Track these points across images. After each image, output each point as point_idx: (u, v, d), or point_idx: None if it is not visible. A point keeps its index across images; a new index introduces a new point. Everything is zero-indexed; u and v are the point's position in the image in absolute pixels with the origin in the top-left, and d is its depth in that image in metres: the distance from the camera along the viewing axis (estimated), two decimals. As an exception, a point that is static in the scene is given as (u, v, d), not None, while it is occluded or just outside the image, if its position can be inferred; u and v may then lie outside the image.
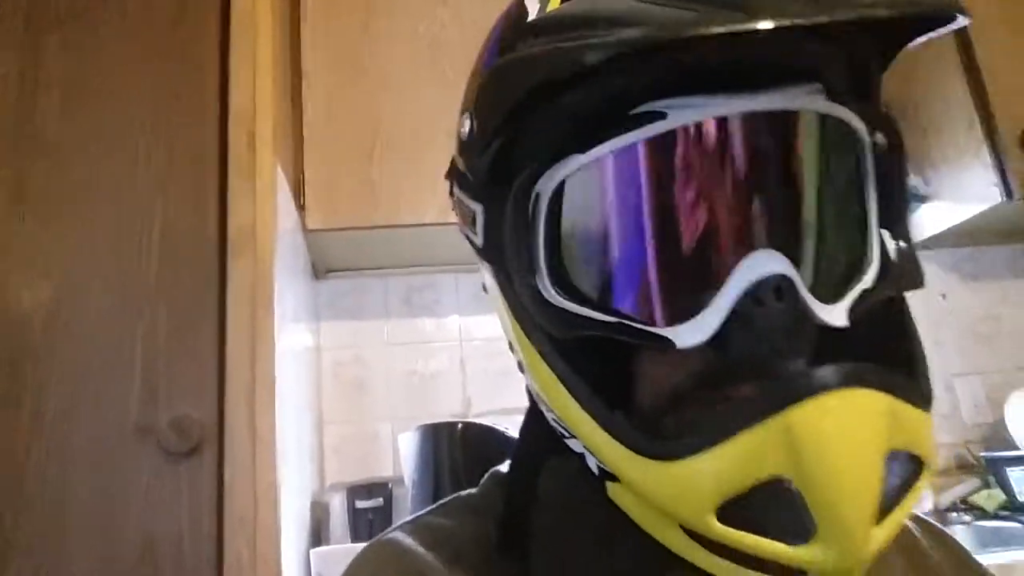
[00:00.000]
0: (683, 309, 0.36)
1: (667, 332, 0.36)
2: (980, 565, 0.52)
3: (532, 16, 0.40)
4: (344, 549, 1.26)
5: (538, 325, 0.39)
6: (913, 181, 1.87)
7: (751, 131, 0.37)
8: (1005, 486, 1.62)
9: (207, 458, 1.07)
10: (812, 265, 0.37)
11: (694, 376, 0.38)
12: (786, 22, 0.29)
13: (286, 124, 1.43)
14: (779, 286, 0.35)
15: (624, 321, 0.37)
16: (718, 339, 0.35)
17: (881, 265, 0.39)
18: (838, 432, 0.32)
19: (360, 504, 1.46)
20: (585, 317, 0.38)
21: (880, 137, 0.39)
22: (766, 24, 0.29)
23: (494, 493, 0.50)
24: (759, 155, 0.37)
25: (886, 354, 0.38)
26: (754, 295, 0.35)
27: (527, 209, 0.39)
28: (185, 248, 1.16)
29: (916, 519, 0.54)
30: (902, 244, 0.40)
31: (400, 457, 1.48)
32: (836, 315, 0.37)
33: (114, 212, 1.17)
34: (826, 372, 0.33)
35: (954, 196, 1.79)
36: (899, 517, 0.34)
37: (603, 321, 0.37)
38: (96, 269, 1.14)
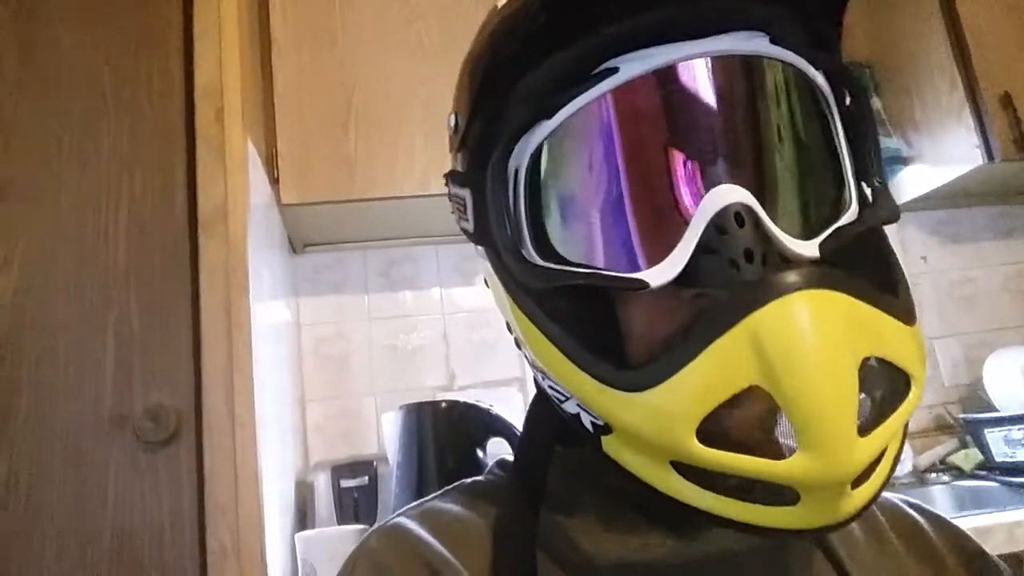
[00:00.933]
0: (655, 250, 0.38)
1: (641, 275, 0.37)
2: (979, 546, 0.52)
3: (500, 5, 0.41)
4: (329, 532, 1.25)
5: (525, 287, 0.40)
6: (895, 143, 1.86)
7: (699, 76, 0.38)
8: (982, 446, 1.65)
9: (185, 446, 1.05)
10: (777, 200, 0.38)
11: (670, 314, 0.38)
12: None
13: (256, 95, 1.37)
14: (739, 212, 0.36)
15: (602, 271, 0.39)
16: (688, 274, 0.37)
17: (859, 203, 0.41)
18: (804, 332, 0.32)
19: (345, 483, 1.45)
20: (566, 271, 0.39)
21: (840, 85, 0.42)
22: None
23: (501, 480, 0.51)
24: (710, 98, 0.39)
25: (869, 281, 0.39)
26: (717, 225, 0.36)
27: (506, 183, 0.41)
28: (154, 229, 1.12)
29: (916, 507, 0.54)
30: (876, 182, 0.41)
31: (383, 436, 1.47)
32: (807, 248, 0.38)
33: (77, 195, 1.12)
34: (787, 276, 0.34)
35: (936, 158, 1.78)
36: (889, 430, 0.34)
37: (583, 272, 0.39)
38: (61, 255, 1.09)
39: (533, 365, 0.43)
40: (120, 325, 1.08)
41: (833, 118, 0.42)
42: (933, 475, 1.67)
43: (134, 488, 1.02)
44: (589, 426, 0.40)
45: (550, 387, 0.42)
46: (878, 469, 0.35)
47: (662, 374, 0.34)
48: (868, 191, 0.41)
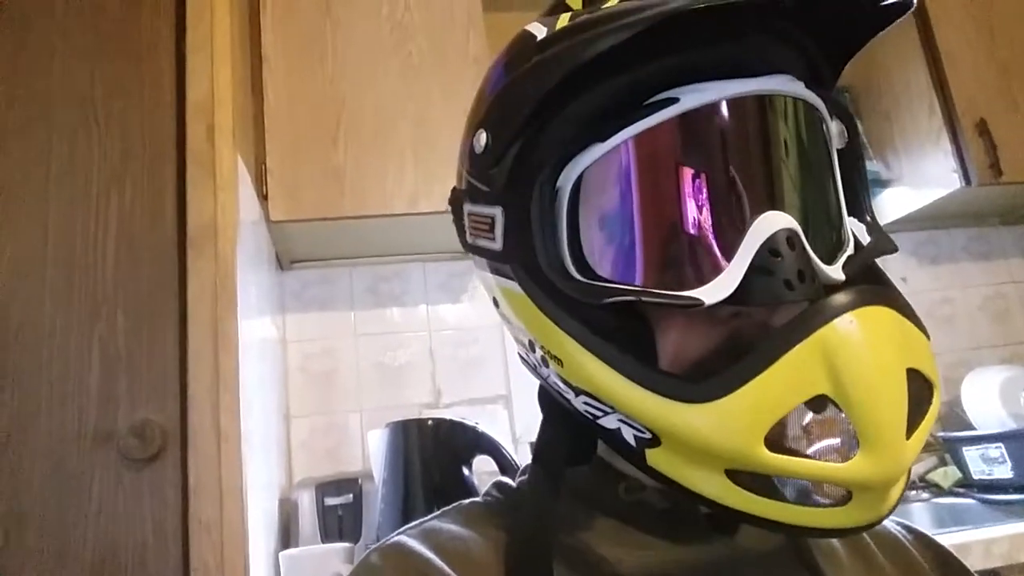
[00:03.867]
0: (708, 270, 0.40)
1: (696, 292, 0.39)
2: (962, 563, 0.54)
3: (540, 38, 0.43)
4: (314, 550, 1.24)
5: (567, 305, 0.41)
6: (875, 166, 1.90)
7: (753, 111, 0.42)
8: (961, 464, 1.67)
9: (170, 463, 1.04)
10: (812, 228, 0.41)
11: (725, 330, 0.41)
12: None
13: (246, 112, 1.38)
14: (791, 237, 0.39)
15: (651, 289, 0.40)
16: (742, 292, 0.39)
17: (853, 236, 0.45)
18: (867, 343, 0.36)
19: (329, 501, 1.44)
20: (619, 288, 0.40)
21: (837, 124, 0.46)
22: None
23: (500, 502, 0.52)
24: (759, 132, 0.42)
25: None
26: (770, 247, 0.39)
27: (552, 201, 0.42)
28: (143, 245, 1.11)
29: (903, 526, 0.56)
30: (868, 217, 0.46)
31: (369, 454, 1.46)
32: (835, 271, 0.41)
33: (66, 209, 1.11)
34: (844, 295, 0.37)
35: (915, 181, 1.82)
36: (922, 435, 0.38)
37: (637, 290, 0.40)
38: (48, 268, 1.09)
39: (565, 383, 0.43)
40: (106, 340, 1.07)
41: (834, 159, 0.45)
42: (913, 492, 1.69)
43: (117, 505, 1.01)
44: (632, 440, 0.41)
45: (585, 404, 0.42)
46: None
47: (732, 384, 0.36)
48: (863, 226, 0.46)
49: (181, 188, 1.13)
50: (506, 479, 0.54)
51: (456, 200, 0.49)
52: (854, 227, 0.45)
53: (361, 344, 1.72)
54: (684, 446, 0.38)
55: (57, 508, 1.00)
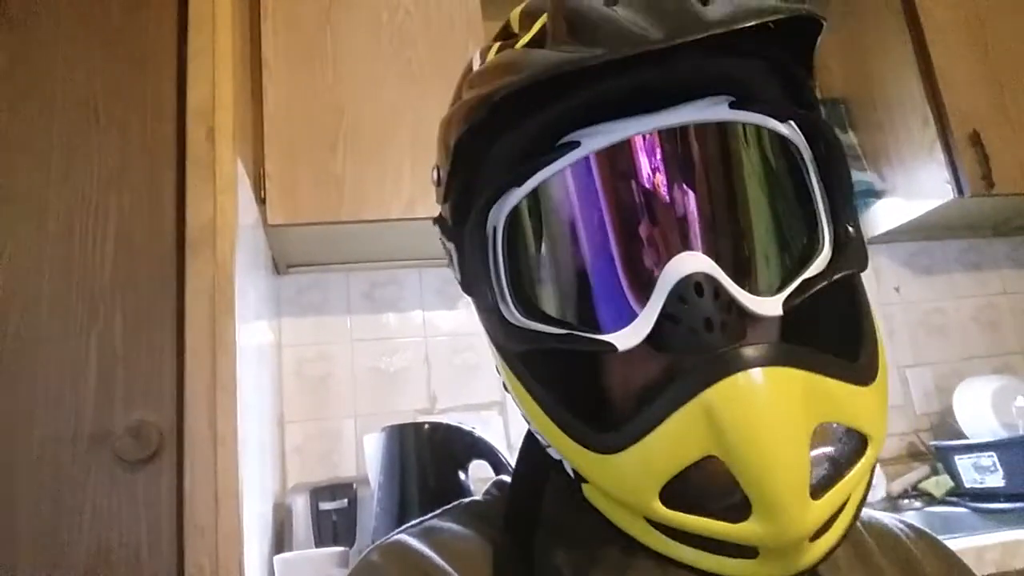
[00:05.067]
0: (621, 315, 0.39)
1: (609, 338, 0.39)
2: (965, 565, 0.54)
3: (474, 70, 0.44)
4: (309, 555, 1.23)
5: (504, 345, 0.42)
6: (870, 177, 1.91)
7: (657, 149, 0.40)
8: (953, 473, 1.68)
9: (166, 465, 1.03)
10: (740, 262, 0.40)
11: (640, 375, 0.40)
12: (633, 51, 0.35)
13: (246, 116, 1.38)
14: (699, 283, 0.37)
15: (573, 332, 0.41)
16: (653, 339, 0.38)
17: (832, 252, 0.42)
18: (754, 407, 0.34)
19: (324, 506, 1.44)
20: (540, 332, 0.41)
21: (796, 135, 0.43)
22: (612, 56, 0.35)
23: (499, 501, 0.52)
24: (668, 169, 0.40)
25: (836, 333, 0.41)
26: (679, 295, 0.38)
27: (485, 242, 0.43)
28: (141, 246, 1.11)
29: (906, 524, 0.56)
30: (849, 229, 0.42)
31: (365, 458, 1.46)
32: (769, 306, 0.39)
33: (65, 209, 1.11)
34: (741, 353, 0.35)
35: (909, 192, 1.84)
36: (843, 490, 0.37)
37: (554, 334, 0.41)
38: (46, 267, 1.09)
39: (519, 408, 0.45)
40: (104, 340, 1.07)
41: (805, 166, 0.43)
42: (905, 501, 1.70)
43: (112, 506, 1.01)
44: (571, 472, 0.42)
45: (536, 432, 0.44)
46: (839, 519, 0.37)
47: (626, 440, 0.37)
48: (843, 235, 0.43)
49: (180, 190, 1.13)
50: (506, 478, 0.54)
51: (435, 223, 0.50)
52: (836, 232, 0.43)
53: (356, 349, 1.72)
54: (599, 489, 0.40)
55: (51, 509, 1.00)
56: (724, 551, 0.37)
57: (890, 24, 1.83)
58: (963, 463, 1.65)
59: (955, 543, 1.21)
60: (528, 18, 0.43)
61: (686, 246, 0.39)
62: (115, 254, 1.11)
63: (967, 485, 1.64)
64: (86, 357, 1.06)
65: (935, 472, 1.75)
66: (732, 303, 0.38)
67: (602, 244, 0.40)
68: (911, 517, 1.64)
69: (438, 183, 0.47)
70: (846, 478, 0.37)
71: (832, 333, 0.42)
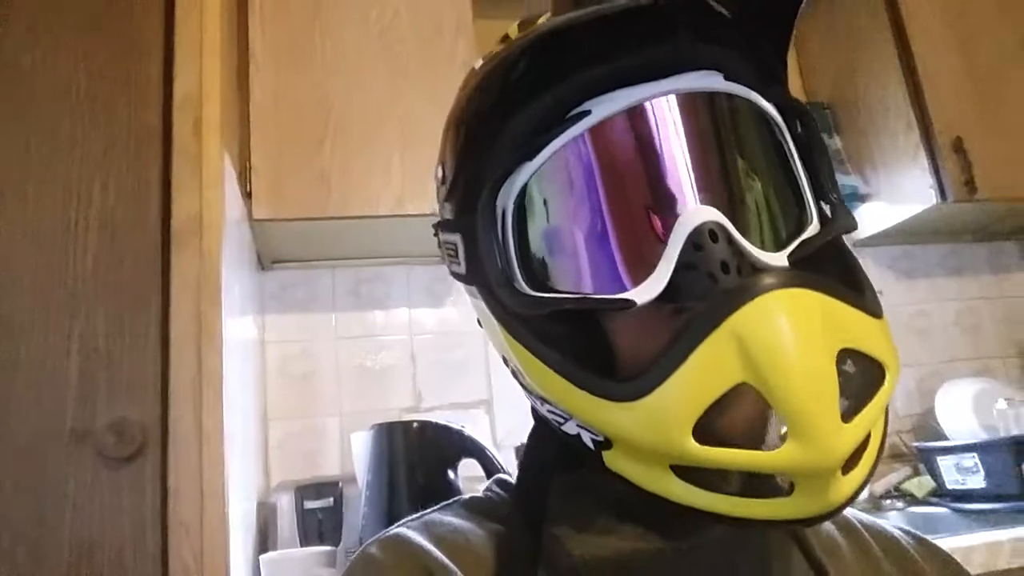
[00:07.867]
0: (638, 271, 0.40)
1: (627, 294, 0.40)
2: (967, 573, 0.55)
3: (476, 69, 0.45)
4: (295, 554, 1.21)
5: (519, 317, 0.43)
6: (854, 181, 1.93)
7: (663, 112, 0.42)
8: (935, 474, 1.70)
9: (149, 462, 1.01)
10: (745, 218, 0.41)
11: (659, 329, 0.40)
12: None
13: (232, 109, 1.36)
14: (712, 230, 0.39)
15: (590, 295, 0.41)
16: (671, 289, 0.39)
17: (820, 219, 0.44)
18: (783, 327, 0.35)
19: (309, 504, 1.42)
20: (556, 298, 0.42)
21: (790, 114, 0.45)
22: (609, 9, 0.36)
23: (500, 497, 0.53)
24: (673, 131, 0.42)
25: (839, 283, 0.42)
26: (694, 241, 0.39)
27: (495, 222, 0.44)
28: (125, 239, 1.09)
29: (908, 532, 0.56)
30: (833, 199, 0.45)
31: (352, 456, 1.45)
32: (775, 258, 0.41)
33: (46, 201, 1.08)
34: (763, 278, 0.36)
35: (892, 197, 1.86)
36: (870, 416, 0.37)
37: (572, 298, 0.42)
38: (27, 263, 1.06)
39: (531, 392, 0.45)
40: (86, 336, 1.04)
41: (787, 144, 0.45)
42: (887, 501, 1.71)
43: (94, 505, 0.98)
44: (590, 444, 0.42)
45: (549, 411, 0.44)
46: (865, 454, 0.37)
47: (654, 381, 0.37)
48: (827, 208, 0.45)
49: (166, 182, 1.11)
50: (507, 476, 0.55)
51: (436, 230, 0.51)
52: (821, 201, 0.45)
53: (341, 347, 1.70)
54: (628, 445, 0.39)
55: (33, 507, 0.97)
56: (753, 494, 0.37)
57: (875, 29, 1.85)
58: (945, 464, 1.67)
59: (938, 544, 1.23)
60: (525, 26, 0.45)
61: (697, 201, 0.41)
62: (98, 246, 1.08)
63: (949, 486, 1.66)
64: (67, 352, 1.03)
65: (917, 473, 1.77)
66: (743, 252, 0.39)
67: (620, 205, 0.42)
68: (893, 517, 1.65)
69: (442, 182, 0.49)
70: (870, 404, 0.37)
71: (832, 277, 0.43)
